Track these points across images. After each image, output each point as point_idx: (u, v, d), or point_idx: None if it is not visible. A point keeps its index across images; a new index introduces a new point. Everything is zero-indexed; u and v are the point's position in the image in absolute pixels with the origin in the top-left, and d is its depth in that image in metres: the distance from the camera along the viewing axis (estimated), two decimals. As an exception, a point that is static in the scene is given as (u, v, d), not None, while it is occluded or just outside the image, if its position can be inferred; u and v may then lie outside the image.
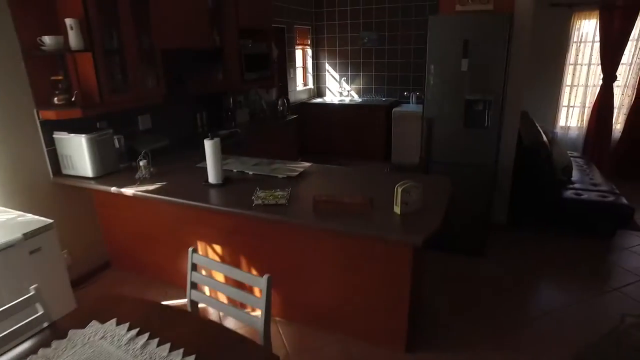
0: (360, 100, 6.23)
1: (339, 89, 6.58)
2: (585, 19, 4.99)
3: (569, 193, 3.66)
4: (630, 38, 4.76)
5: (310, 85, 6.65)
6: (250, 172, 2.74)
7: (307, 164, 2.86)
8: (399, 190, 1.95)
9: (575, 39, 5.09)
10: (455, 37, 2.92)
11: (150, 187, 2.57)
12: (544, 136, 3.60)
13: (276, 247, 2.46)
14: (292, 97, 6.06)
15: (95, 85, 2.69)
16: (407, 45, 5.91)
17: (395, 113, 5.64)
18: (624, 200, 3.52)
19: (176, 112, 3.92)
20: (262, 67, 4.40)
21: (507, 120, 3.38)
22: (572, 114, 5.36)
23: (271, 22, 4.47)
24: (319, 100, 6.46)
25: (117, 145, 3.03)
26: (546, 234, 3.72)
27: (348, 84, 6.49)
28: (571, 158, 4.21)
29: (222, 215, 2.48)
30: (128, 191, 2.57)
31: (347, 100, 6.29)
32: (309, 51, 6.47)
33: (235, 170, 2.80)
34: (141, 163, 2.77)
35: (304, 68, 6.55)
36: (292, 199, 2.26)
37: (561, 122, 5.46)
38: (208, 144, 2.48)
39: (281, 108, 4.85)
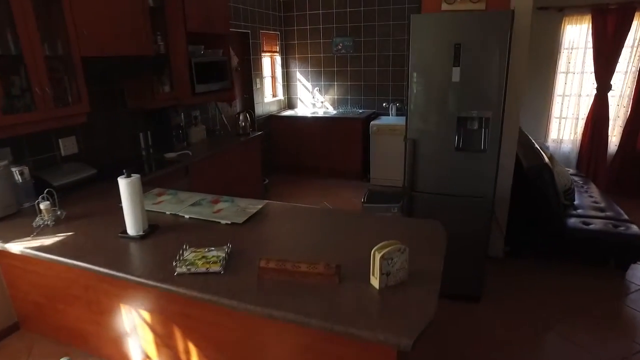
0: (334, 112, 5.67)
1: (311, 100, 6.00)
2: (576, 24, 4.57)
3: (573, 221, 3.15)
4: (626, 44, 4.36)
5: (280, 96, 6.06)
6: (187, 216, 2.11)
7: (261, 204, 2.25)
8: (377, 256, 1.36)
9: (566, 45, 4.66)
10: (444, 41, 2.37)
11: (47, 242, 1.91)
12: (544, 156, 3.09)
13: (213, 332, 1.82)
14: (260, 110, 5.46)
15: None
16: (385, 52, 5.39)
17: (373, 127, 5.10)
18: (637, 229, 3.04)
19: (113, 132, 3.26)
20: (219, 77, 3.79)
21: (504, 139, 2.86)
22: (565, 126, 4.93)
23: (228, 26, 3.86)
24: (289, 112, 5.87)
25: (17, 179, 2.36)
26: (549, 267, 3.20)
27: (321, 95, 5.92)
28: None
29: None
30: (15, 247, 1.90)
31: (320, 112, 5.72)
32: (278, 59, 5.89)
33: (168, 213, 2.16)
34: (42, 206, 2.10)
35: (273, 77, 5.96)
36: (232, 261, 1.64)
37: (553, 134, 5.02)
38: (123, 185, 1.84)
39: (243, 124, 4.24)
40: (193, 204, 2.26)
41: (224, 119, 4.56)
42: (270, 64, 5.83)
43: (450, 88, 2.44)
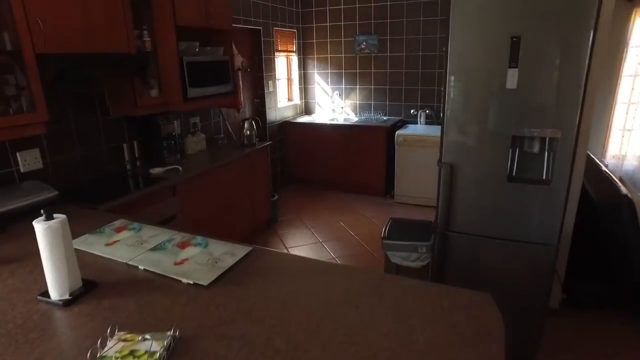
0: (356, 119, 5.07)
1: (331, 105, 5.42)
2: (648, 17, 3.81)
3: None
4: None
5: (297, 100, 5.50)
6: (141, 267, 1.57)
7: (242, 251, 1.68)
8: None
9: (635, 42, 3.89)
10: (496, 33, 1.75)
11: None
12: (620, 185, 2.39)
13: None
14: (272, 115, 4.92)
15: None
16: (414, 52, 4.75)
17: (398, 137, 4.47)
18: None
19: (90, 144, 2.78)
20: (219, 80, 3.26)
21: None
22: (629, 140, 4.15)
23: (230, 21, 3.33)
24: (306, 118, 5.31)
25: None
26: (619, 323, 2.50)
27: (342, 99, 5.33)
28: None
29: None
30: None
31: (340, 118, 5.13)
32: (295, 59, 5.34)
33: (120, 261, 1.63)
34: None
35: (289, 80, 5.42)
36: (174, 362, 1.07)
37: (613, 149, 4.24)
38: (40, 232, 1.32)
39: (248, 132, 3.70)
40: (154, 247, 1.71)
41: (229, 126, 4.04)
42: (286, 64, 5.29)
43: (503, 97, 1.80)
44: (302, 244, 3.76)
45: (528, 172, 1.85)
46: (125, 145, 2.98)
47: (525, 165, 1.85)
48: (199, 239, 1.78)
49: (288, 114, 5.29)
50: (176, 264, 1.57)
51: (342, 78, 5.25)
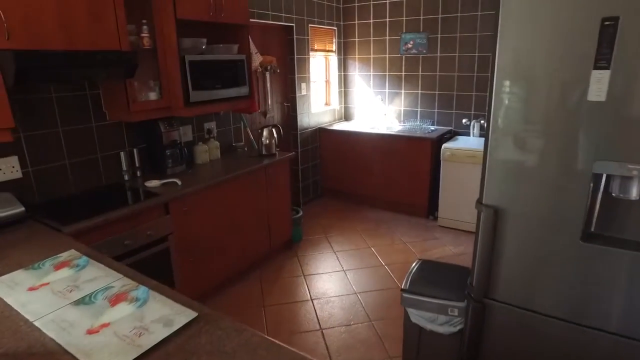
0: (399, 127, 4.48)
1: (372, 112, 4.87)
2: None
3: None
4: None
5: (335, 104, 5.01)
6: (47, 333, 1.17)
7: (183, 318, 1.22)
8: None
9: None
10: (575, 15, 1.15)
11: None
12: None
13: None
14: (305, 121, 4.47)
15: None
16: (469, 52, 4.08)
17: (445, 151, 3.83)
18: None
19: (82, 151, 2.49)
20: (231, 82, 2.86)
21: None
22: None
23: (246, 14, 2.92)
24: (343, 125, 4.80)
25: None
26: None
27: (385, 105, 4.76)
28: None
29: None
30: None
31: (381, 127, 4.56)
32: (334, 60, 4.86)
33: (28, 318, 1.24)
34: None
35: (328, 82, 4.95)
36: None
37: None
38: None
39: (267, 141, 3.27)
40: (81, 300, 1.31)
41: (250, 133, 3.65)
42: (324, 65, 4.83)
43: (582, 113, 1.20)
44: (321, 271, 3.26)
45: (616, 229, 1.22)
46: (122, 154, 2.67)
47: (613, 217, 1.22)
48: (140, 291, 1.35)
49: (324, 120, 4.82)
50: (90, 331, 1.16)
51: (385, 81, 4.68)
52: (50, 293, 1.36)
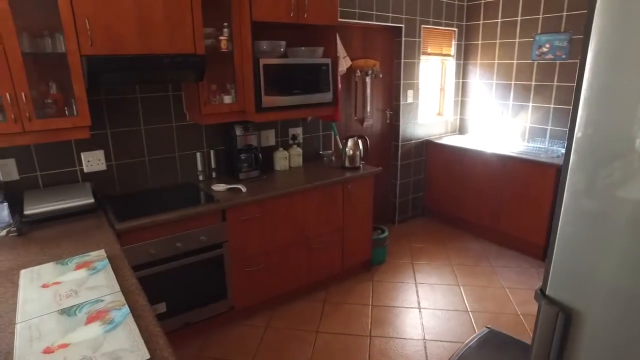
0: (522, 147, 3.73)
1: (492, 126, 4.19)
2: None
3: None
4: None
5: (450, 116, 4.46)
6: (15, 340, 1.15)
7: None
8: None
9: None
10: None
11: None
12: None
13: None
14: (409, 132, 4.07)
15: None
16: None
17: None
18: None
19: (161, 150, 2.63)
20: (312, 87, 2.70)
21: None
22: None
23: (335, 15, 2.70)
24: (455, 139, 4.24)
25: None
26: None
27: (507, 119, 4.04)
28: None
29: None
30: None
31: (500, 145, 3.88)
32: (451, 65, 4.31)
33: (18, 322, 1.25)
34: None
35: (442, 90, 4.43)
36: None
37: None
38: None
39: (351, 152, 3.01)
40: (67, 309, 1.28)
41: (339, 142, 3.44)
42: (439, 71, 4.33)
43: None
44: (393, 304, 2.87)
45: None
46: (198, 154, 2.74)
47: None
48: (121, 312, 1.26)
49: (434, 132, 4.32)
50: (46, 350, 1.10)
51: (510, 91, 3.96)
52: (51, 295, 1.37)
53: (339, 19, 3.16)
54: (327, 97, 2.79)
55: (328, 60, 2.73)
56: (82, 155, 2.37)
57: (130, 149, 2.51)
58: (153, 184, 2.63)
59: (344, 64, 2.83)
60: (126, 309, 1.28)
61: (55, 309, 1.28)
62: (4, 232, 1.94)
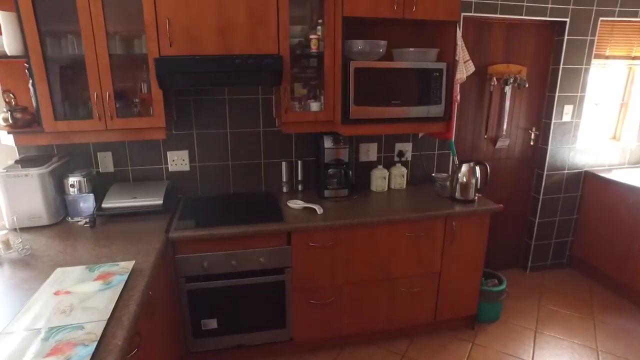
0: None
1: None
2: None
3: None
4: None
5: (631, 141, 3.30)
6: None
7: None
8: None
9: None
10: None
11: None
12: None
13: None
14: (563, 158, 3.14)
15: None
16: None
17: None
18: None
19: (246, 155, 2.51)
20: (418, 98, 2.20)
21: None
22: None
23: (455, 8, 2.12)
24: (631, 174, 3.11)
25: (68, 190, 2.07)
26: None
27: None
28: None
29: None
30: None
31: None
32: (643, 73, 3.16)
33: (5, 332, 1.19)
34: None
35: (624, 106, 3.30)
36: None
37: None
38: None
39: (464, 180, 2.40)
40: (48, 330, 1.17)
41: (457, 164, 2.81)
42: (625, 81, 3.22)
43: None
44: (493, 387, 2.19)
45: None
46: (284, 164, 2.52)
47: None
48: (85, 350, 1.09)
49: (601, 161, 3.26)
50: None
51: None
52: (52, 306, 1.30)
53: (470, 13, 2.55)
54: (438, 110, 2.25)
55: (443, 65, 2.18)
56: (168, 154, 2.39)
57: (214, 152, 2.44)
58: (234, 190, 2.53)
59: (464, 70, 2.23)
60: (92, 346, 1.10)
61: (40, 326, 1.19)
62: (82, 222, 2.05)
